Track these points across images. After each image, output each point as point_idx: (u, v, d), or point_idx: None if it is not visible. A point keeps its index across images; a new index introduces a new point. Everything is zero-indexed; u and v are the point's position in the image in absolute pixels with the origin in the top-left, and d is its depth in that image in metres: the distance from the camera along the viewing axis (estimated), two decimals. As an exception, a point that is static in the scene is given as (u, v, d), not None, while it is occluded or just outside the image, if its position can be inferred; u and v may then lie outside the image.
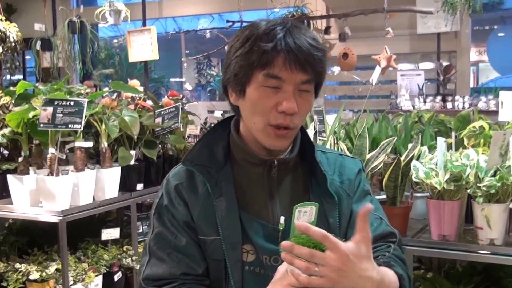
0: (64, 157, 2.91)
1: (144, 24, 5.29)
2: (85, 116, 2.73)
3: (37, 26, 5.25)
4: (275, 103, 1.14)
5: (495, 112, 3.77)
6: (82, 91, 3.10)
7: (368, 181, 2.16)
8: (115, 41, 10.52)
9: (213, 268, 1.20)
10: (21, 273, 2.86)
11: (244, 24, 4.68)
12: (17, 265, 2.91)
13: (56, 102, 2.66)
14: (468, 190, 1.96)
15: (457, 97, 5.00)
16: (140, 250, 3.24)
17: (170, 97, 3.64)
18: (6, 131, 2.82)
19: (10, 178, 2.80)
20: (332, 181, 1.26)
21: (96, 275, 3.03)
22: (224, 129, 1.29)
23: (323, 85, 1.24)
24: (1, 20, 4.76)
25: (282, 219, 1.20)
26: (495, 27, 10.01)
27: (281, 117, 1.14)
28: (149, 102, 3.52)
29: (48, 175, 2.69)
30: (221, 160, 1.24)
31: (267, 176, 1.23)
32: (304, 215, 1.07)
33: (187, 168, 1.25)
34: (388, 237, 1.29)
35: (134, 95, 3.46)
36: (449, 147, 2.08)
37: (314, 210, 1.08)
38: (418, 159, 2.13)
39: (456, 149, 2.10)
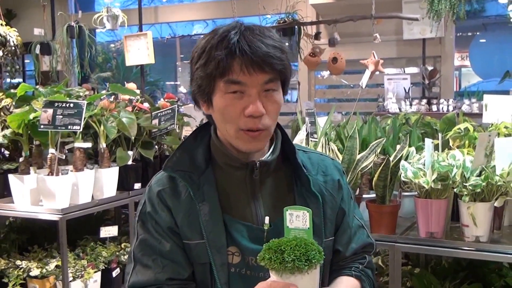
0: (64, 157, 2.96)
1: (140, 29, 5.36)
2: (84, 118, 2.78)
3: (37, 31, 5.32)
4: (242, 108, 1.13)
5: (478, 115, 3.88)
6: (81, 94, 3.15)
7: (359, 180, 2.23)
8: (112, 45, 10.54)
9: (199, 272, 1.20)
10: (21, 270, 2.92)
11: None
12: (18, 262, 2.95)
13: (56, 104, 2.71)
14: (455, 189, 2.01)
15: (441, 100, 5.09)
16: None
17: (167, 100, 3.71)
18: (7, 132, 2.87)
19: (11, 177, 2.84)
20: (316, 181, 1.26)
21: (95, 272, 3.09)
22: (204, 134, 1.28)
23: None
24: (1, 25, 4.81)
25: (267, 219, 1.20)
26: (477, 33, 10.20)
27: (250, 121, 1.14)
28: (146, 105, 3.59)
29: (48, 174, 2.74)
30: (202, 164, 1.23)
31: (249, 178, 1.22)
32: (298, 220, 1.06)
33: (169, 174, 1.24)
34: (366, 248, 1.36)
35: (131, 97, 3.53)
36: (435, 148, 2.13)
37: (308, 216, 1.06)
38: (406, 159, 2.17)
39: (442, 150, 2.15)
